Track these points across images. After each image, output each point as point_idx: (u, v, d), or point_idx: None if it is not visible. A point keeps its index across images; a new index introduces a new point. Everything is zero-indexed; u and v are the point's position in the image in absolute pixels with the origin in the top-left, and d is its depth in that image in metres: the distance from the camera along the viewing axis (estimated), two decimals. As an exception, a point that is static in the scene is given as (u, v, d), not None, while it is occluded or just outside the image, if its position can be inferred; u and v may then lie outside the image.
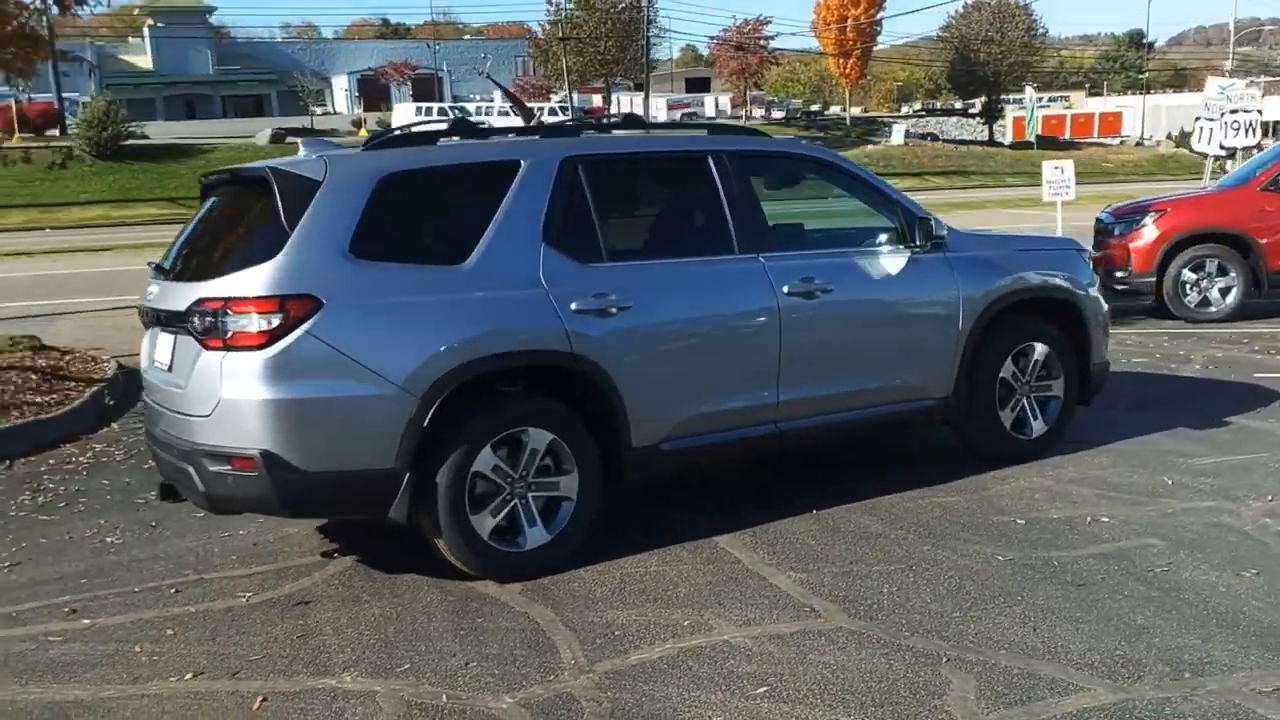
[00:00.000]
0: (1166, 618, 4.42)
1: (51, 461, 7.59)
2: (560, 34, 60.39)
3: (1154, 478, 6.26)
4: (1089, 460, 6.65)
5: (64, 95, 56.79)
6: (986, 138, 65.27)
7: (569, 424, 5.24)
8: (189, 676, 4.29)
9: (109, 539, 5.99)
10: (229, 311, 4.73)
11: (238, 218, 5.47)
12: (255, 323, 4.72)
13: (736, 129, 6.93)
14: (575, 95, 63.96)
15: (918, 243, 6.13)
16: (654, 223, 5.96)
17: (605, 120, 7.62)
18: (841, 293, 5.97)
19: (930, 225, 6.20)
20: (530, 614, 4.76)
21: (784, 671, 4.10)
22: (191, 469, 4.95)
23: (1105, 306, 7.09)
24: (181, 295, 5.04)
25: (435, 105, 62.59)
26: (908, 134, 62.38)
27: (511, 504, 5.14)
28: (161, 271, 5.50)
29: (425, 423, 4.86)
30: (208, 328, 4.81)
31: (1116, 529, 5.49)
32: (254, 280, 4.77)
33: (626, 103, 65.83)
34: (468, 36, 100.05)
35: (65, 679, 4.32)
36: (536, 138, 5.72)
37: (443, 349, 4.91)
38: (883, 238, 6.19)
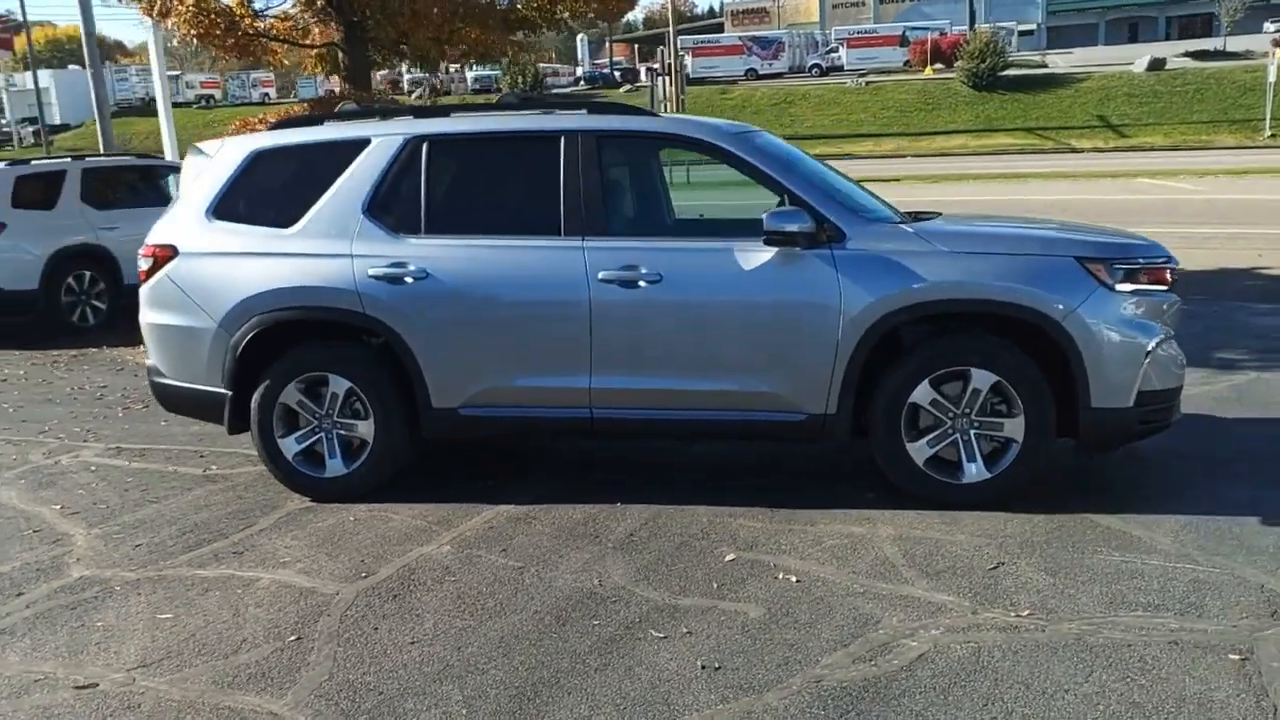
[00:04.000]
0: None
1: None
2: None
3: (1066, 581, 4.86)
4: (1010, 527, 5.26)
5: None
6: None
7: (368, 375, 5.91)
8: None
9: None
10: (141, 255, 6.31)
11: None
12: (143, 264, 6.27)
13: (621, 108, 6.41)
14: None
15: (785, 234, 5.40)
16: (484, 202, 6.03)
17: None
18: (673, 284, 5.56)
19: (801, 217, 5.40)
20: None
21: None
22: None
23: (1151, 339, 5.32)
24: None
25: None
26: None
27: (317, 436, 6.04)
28: None
29: (238, 356, 5.98)
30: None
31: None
32: (151, 233, 6.29)
33: None
34: None
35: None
36: (410, 117, 6.27)
37: (253, 298, 5.95)
38: (752, 228, 5.54)
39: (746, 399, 5.62)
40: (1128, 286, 5.39)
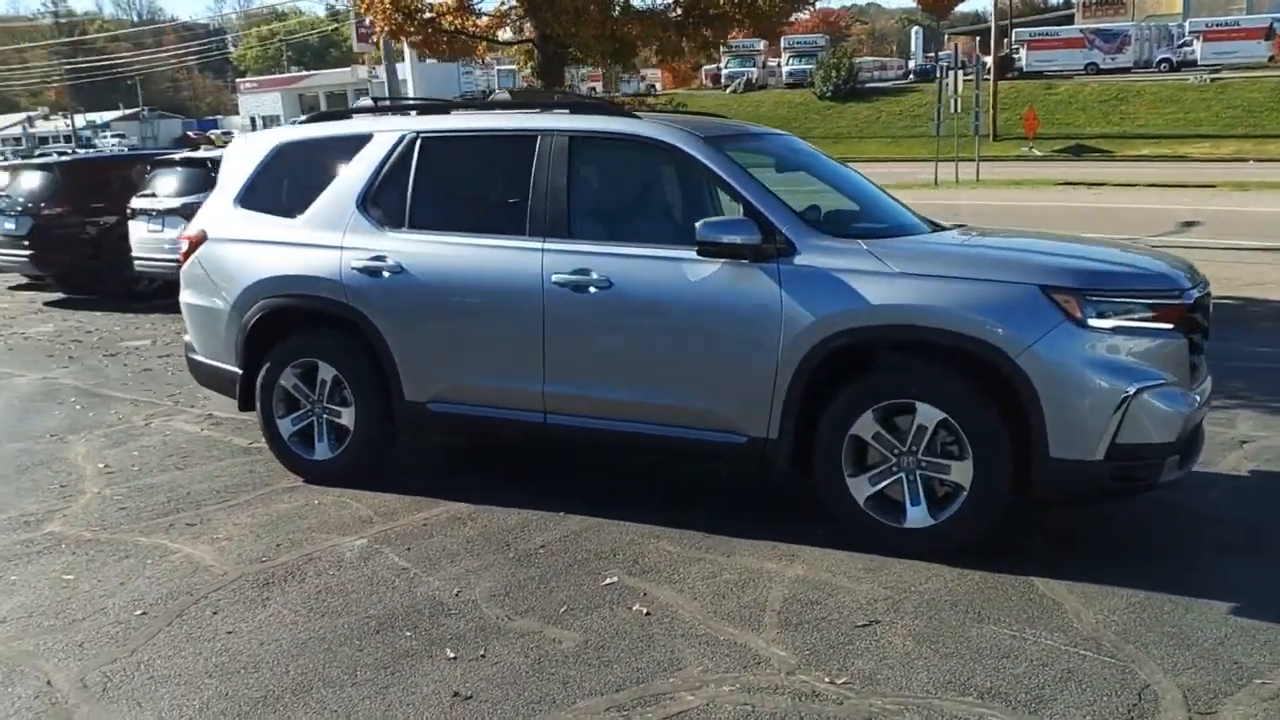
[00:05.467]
0: None
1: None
2: None
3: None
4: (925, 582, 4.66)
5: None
6: None
7: (351, 364, 6.06)
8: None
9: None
10: (180, 238, 6.75)
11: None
12: (183, 246, 6.70)
13: (604, 108, 5.98)
14: None
15: (720, 245, 5.04)
16: (464, 199, 5.97)
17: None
18: (621, 291, 5.33)
19: (742, 228, 5.02)
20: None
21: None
22: None
23: (1132, 384, 4.56)
24: None
25: None
26: None
27: (309, 419, 6.26)
28: None
29: (246, 338, 6.28)
30: None
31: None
32: (194, 218, 6.73)
33: None
34: None
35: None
36: (413, 114, 6.31)
37: (256, 283, 6.23)
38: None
39: (690, 416, 5.31)
40: (1106, 322, 4.66)
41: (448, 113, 6.37)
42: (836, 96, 53.81)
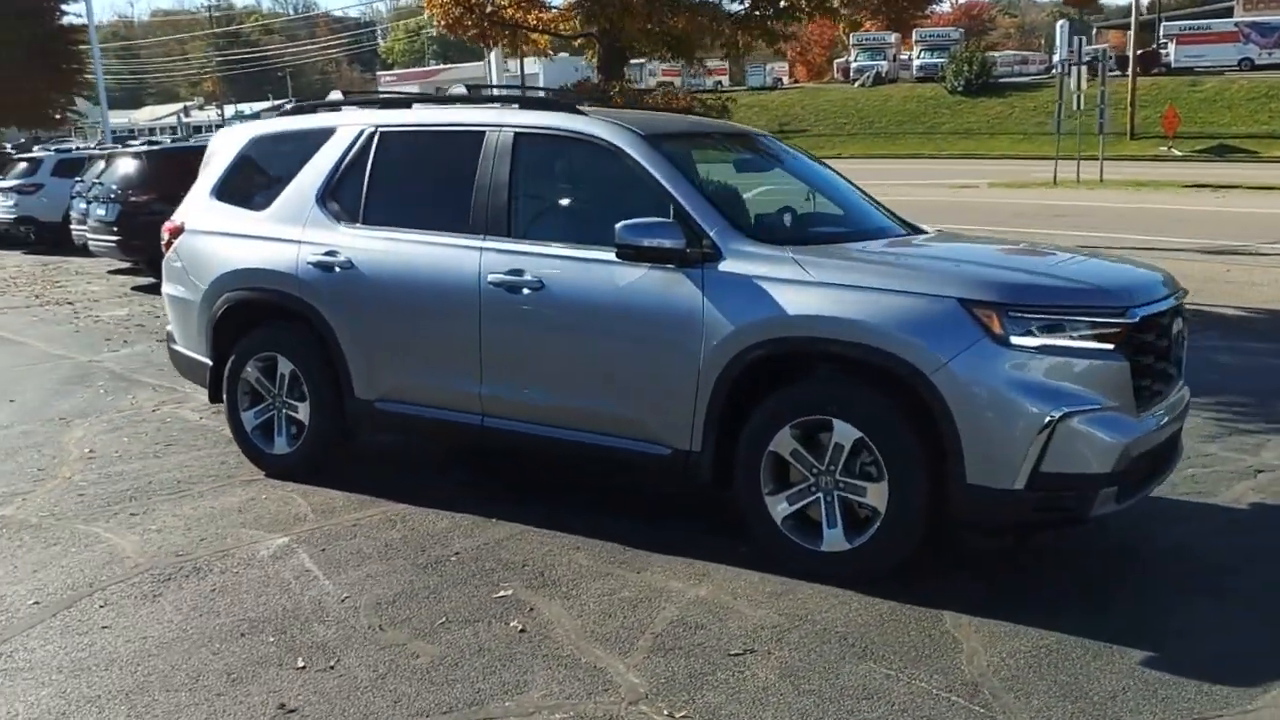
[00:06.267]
0: None
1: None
2: None
3: None
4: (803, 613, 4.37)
5: None
6: None
7: (306, 359, 6.03)
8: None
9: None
10: (164, 230, 6.82)
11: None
12: (165, 237, 6.76)
13: (552, 104, 5.73)
14: None
15: (639, 249, 4.83)
16: (415, 195, 5.84)
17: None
18: (551, 294, 5.17)
19: (663, 231, 4.79)
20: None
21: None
22: None
23: (1058, 409, 4.19)
24: None
25: None
26: None
27: (270, 414, 6.26)
28: None
29: (213, 329, 6.31)
30: None
31: None
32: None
33: None
34: None
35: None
36: (377, 109, 6.23)
37: (223, 275, 6.26)
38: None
39: (618, 425, 5.12)
40: (1032, 340, 4.30)
41: (409, 107, 6.30)
42: (968, 91, 52.26)
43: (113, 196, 15.19)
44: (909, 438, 4.43)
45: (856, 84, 57.50)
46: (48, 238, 20.60)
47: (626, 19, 11.32)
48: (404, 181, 5.95)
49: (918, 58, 58.20)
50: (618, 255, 4.92)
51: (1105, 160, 29.80)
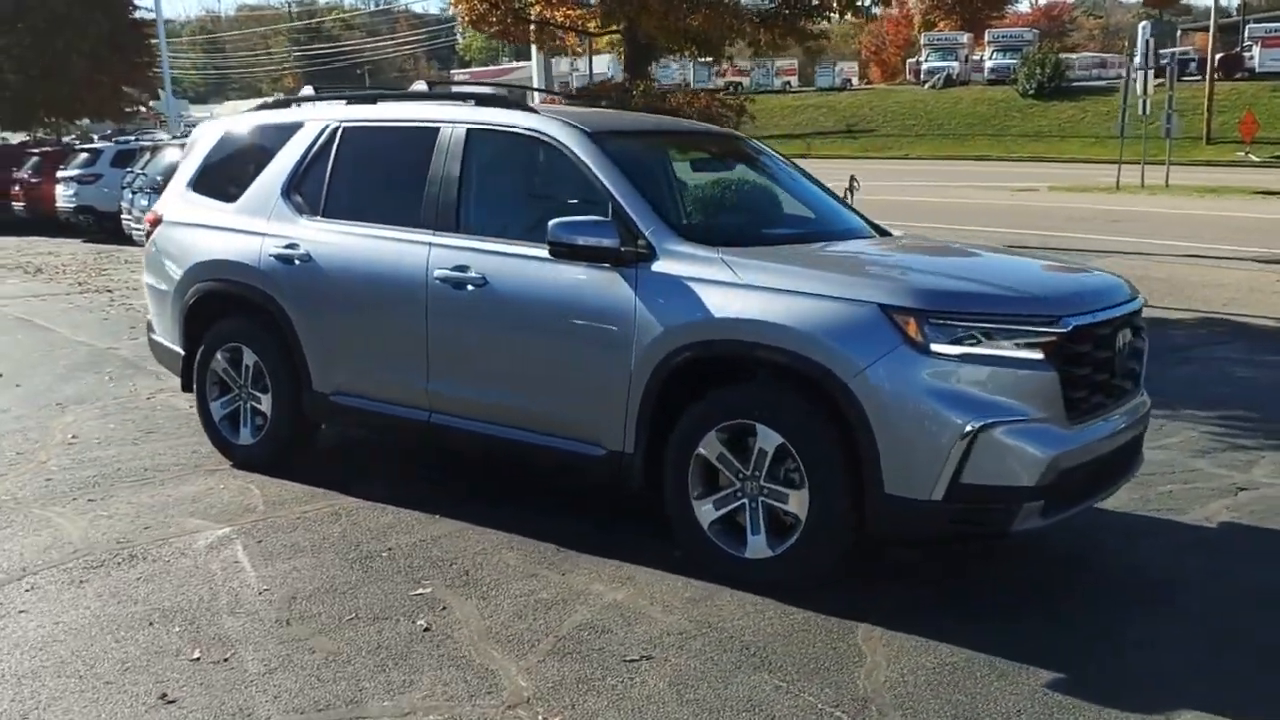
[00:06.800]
0: None
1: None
2: None
3: None
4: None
5: None
6: None
7: (268, 350, 6.06)
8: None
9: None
10: (144, 221, 6.92)
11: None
12: (146, 229, 6.84)
13: (506, 101, 5.65)
14: None
15: (571, 246, 4.77)
16: (372, 190, 5.84)
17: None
18: (493, 290, 5.14)
19: (597, 230, 4.73)
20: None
21: None
22: None
23: (977, 419, 4.06)
24: None
25: None
26: None
27: (236, 405, 6.31)
28: None
29: (184, 319, 6.38)
30: None
31: None
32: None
33: None
34: None
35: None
36: (344, 103, 6.24)
37: (192, 266, 6.32)
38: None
39: (556, 424, 5.07)
40: (953, 348, 4.16)
41: (374, 103, 6.30)
42: (1040, 94, 51.27)
43: (155, 187, 15.50)
44: (830, 445, 4.32)
45: (926, 86, 56.62)
46: (107, 226, 21.09)
47: (644, 16, 11.25)
48: (363, 176, 5.96)
49: (989, 59, 57.17)
50: (550, 253, 4.87)
51: (1177, 165, 29.11)
